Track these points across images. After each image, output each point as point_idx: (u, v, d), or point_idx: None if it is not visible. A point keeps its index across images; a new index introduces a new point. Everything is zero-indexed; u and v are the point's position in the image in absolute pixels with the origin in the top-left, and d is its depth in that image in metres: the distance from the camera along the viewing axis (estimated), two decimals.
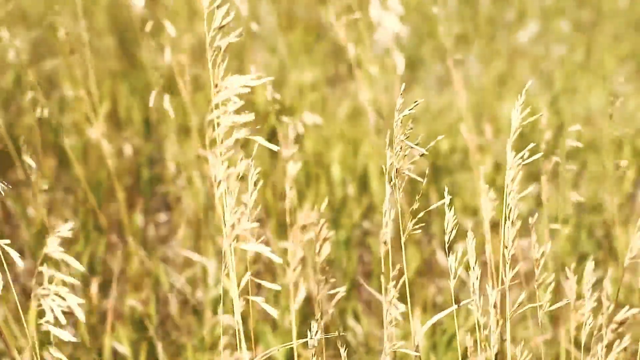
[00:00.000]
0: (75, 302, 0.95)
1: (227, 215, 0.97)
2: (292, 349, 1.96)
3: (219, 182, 0.95)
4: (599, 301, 1.57)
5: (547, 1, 4.71)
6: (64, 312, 0.95)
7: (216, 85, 0.93)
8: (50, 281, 0.97)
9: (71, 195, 2.71)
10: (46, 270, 0.98)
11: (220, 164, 0.96)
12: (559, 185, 2.81)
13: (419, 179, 1.06)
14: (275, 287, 0.97)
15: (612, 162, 2.93)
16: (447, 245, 1.12)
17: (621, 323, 1.15)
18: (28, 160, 1.54)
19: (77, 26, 2.11)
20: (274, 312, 0.96)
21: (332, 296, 1.33)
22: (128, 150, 2.92)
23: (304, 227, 1.35)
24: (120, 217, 2.61)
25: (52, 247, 0.95)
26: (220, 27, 0.92)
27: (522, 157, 1.09)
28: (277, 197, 2.54)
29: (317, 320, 1.16)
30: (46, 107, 1.98)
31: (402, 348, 1.14)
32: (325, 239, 1.23)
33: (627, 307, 1.12)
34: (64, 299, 0.94)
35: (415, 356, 1.17)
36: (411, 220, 1.11)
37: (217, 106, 0.94)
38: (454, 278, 1.13)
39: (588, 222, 2.61)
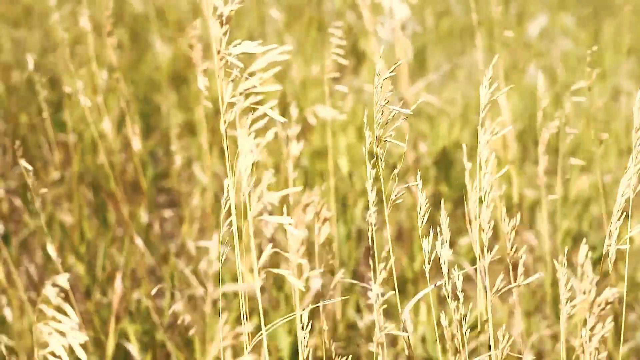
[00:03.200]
0: (76, 342, 0.94)
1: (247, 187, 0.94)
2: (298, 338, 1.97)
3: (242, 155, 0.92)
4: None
5: None
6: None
7: (219, 52, 0.91)
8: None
9: (76, 190, 2.72)
10: (47, 308, 0.97)
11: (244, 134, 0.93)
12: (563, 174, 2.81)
13: (400, 144, 1.04)
14: (286, 273, 0.96)
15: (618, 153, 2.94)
16: (420, 230, 1.12)
17: (604, 305, 1.15)
18: (23, 163, 1.54)
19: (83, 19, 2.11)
20: (299, 284, 0.94)
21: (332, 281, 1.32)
22: (133, 145, 2.92)
23: (306, 207, 1.34)
24: (125, 213, 2.62)
25: (50, 296, 0.93)
26: None
27: (492, 132, 1.07)
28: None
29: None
30: (51, 102, 1.98)
31: (392, 331, 1.14)
32: (325, 220, 1.21)
33: (608, 288, 1.13)
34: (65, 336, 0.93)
35: (404, 336, 1.17)
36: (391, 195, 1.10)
37: (221, 75, 0.92)
38: (429, 263, 1.12)
39: (592, 214, 2.61)
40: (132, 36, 3.93)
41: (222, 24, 0.92)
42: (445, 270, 1.13)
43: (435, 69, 3.82)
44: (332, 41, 1.61)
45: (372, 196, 1.12)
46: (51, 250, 1.72)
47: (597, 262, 2.31)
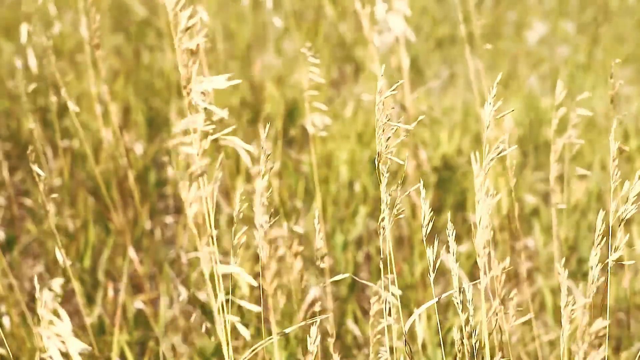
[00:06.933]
0: (75, 349, 0.93)
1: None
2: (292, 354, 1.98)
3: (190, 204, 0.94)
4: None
5: (549, 4, 4.72)
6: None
7: (185, 87, 0.91)
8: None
9: (77, 196, 2.73)
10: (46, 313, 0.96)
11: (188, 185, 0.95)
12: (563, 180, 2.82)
13: (400, 161, 1.06)
14: (255, 308, 0.97)
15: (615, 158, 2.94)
16: (424, 239, 1.12)
17: (597, 335, 1.15)
18: (35, 168, 1.54)
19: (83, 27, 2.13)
20: (246, 333, 0.96)
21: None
22: (134, 151, 2.94)
23: (272, 241, 1.35)
24: (127, 219, 2.63)
25: (47, 300, 0.92)
26: (186, 29, 0.90)
27: (497, 151, 1.08)
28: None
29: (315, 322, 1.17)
30: (53, 108, 1.99)
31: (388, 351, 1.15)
32: (297, 253, 1.23)
33: (600, 319, 1.14)
34: (63, 342, 0.92)
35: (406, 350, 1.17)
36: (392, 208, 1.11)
37: (189, 107, 0.93)
38: (433, 271, 1.13)
39: (587, 224, 2.61)
40: (133, 43, 3.95)
41: (189, 57, 0.92)
42: (455, 283, 1.13)
43: (433, 76, 3.83)
44: (309, 60, 1.63)
45: (384, 208, 1.12)
46: (59, 255, 1.72)
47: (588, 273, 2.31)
